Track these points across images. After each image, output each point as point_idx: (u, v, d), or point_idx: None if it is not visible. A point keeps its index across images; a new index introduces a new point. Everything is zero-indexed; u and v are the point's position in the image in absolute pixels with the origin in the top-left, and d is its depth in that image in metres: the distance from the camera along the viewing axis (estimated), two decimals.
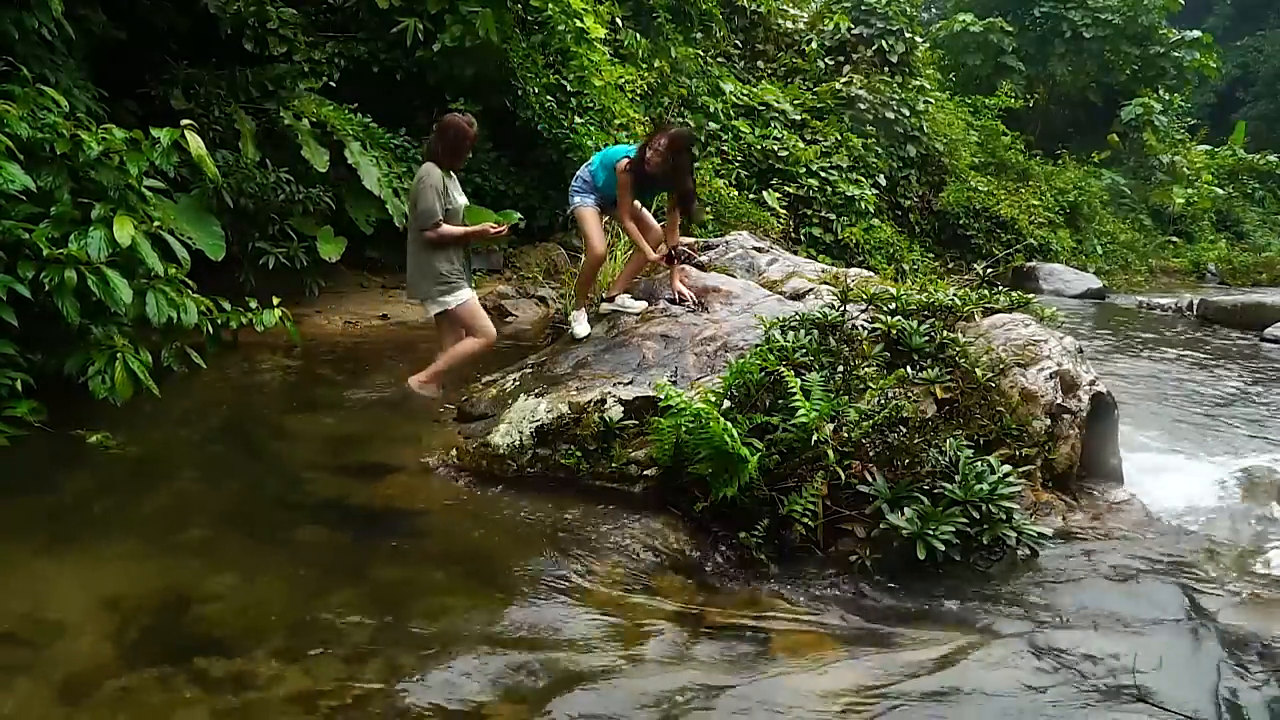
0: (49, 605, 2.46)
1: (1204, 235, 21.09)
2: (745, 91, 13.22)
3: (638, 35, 10.77)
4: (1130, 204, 20.77)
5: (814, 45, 15.47)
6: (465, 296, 4.55)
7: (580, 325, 4.67)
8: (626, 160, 4.52)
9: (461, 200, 4.56)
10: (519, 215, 4.97)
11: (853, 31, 15.46)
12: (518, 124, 8.25)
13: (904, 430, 3.32)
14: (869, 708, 2.27)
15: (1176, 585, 2.99)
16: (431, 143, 4.52)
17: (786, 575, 3.00)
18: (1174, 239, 20.40)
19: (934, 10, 28.97)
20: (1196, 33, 23.42)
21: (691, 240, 6.55)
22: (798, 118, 13.41)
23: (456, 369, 4.68)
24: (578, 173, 4.87)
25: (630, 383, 3.90)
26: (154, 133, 4.11)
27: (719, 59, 13.82)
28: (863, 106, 14.11)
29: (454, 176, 4.59)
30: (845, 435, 3.26)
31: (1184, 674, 2.48)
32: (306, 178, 6.57)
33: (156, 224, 4.11)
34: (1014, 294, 4.52)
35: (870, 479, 3.12)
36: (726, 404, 3.40)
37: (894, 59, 15.40)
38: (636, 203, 4.80)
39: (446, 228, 4.41)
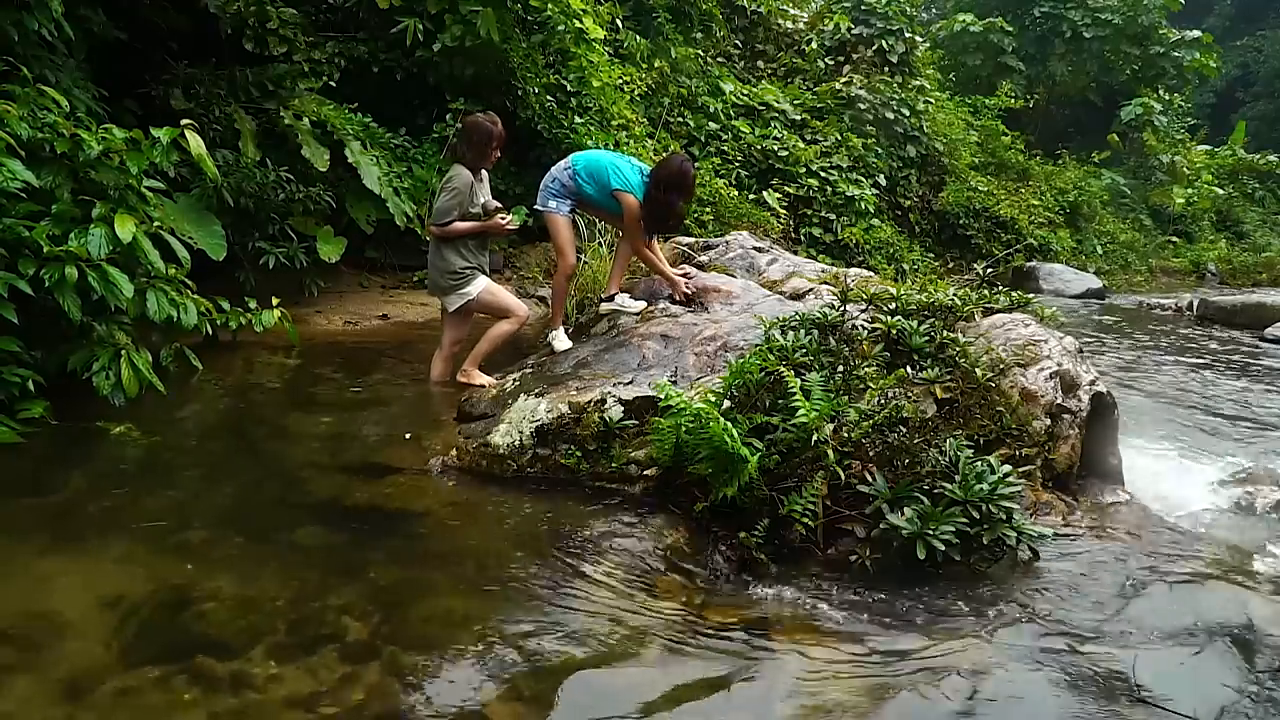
0: (49, 604, 2.46)
1: (1204, 235, 21.09)
2: (745, 91, 13.21)
3: (637, 35, 10.77)
4: (1130, 204, 20.78)
5: (814, 45, 15.47)
6: (482, 284, 4.64)
7: (560, 341, 4.67)
8: (637, 204, 4.60)
9: (491, 203, 4.66)
10: (526, 211, 5.02)
11: (853, 31, 15.46)
12: (518, 124, 8.25)
13: (904, 430, 3.31)
14: (868, 709, 2.27)
15: (1177, 585, 2.99)
16: (458, 145, 4.63)
17: (786, 575, 3.00)
18: (1174, 239, 20.41)
19: (934, 10, 28.97)
20: (1196, 33, 23.44)
21: (691, 240, 6.56)
22: (798, 118, 13.41)
23: (496, 352, 4.79)
24: (552, 172, 4.80)
25: (630, 383, 3.90)
26: (154, 132, 4.11)
27: (719, 59, 13.81)
28: (863, 106, 14.11)
29: (484, 178, 4.66)
30: (845, 435, 3.26)
31: (1185, 674, 2.48)
32: (306, 177, 6.57)
33: (157, 224, 4.11)
34: (1014, 294, 4.52)
35: (870, 479, 3.12)
36: (726, 404, 3.40)
37: (894, 59, 15.40)
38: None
39: (456, 224, 4.52)
